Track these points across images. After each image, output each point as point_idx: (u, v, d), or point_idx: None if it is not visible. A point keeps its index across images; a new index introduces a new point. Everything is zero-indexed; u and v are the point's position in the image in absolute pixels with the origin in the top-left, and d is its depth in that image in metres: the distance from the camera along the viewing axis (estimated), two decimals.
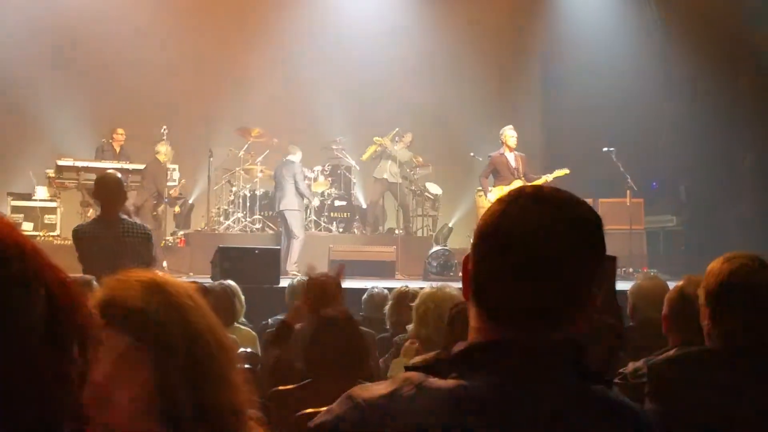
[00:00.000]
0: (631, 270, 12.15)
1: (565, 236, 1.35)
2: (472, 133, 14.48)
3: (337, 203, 13.75)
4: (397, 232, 13.66)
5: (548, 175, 11.83)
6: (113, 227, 5.85)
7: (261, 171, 13.33)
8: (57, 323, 0.91)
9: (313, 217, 13.38)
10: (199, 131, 13.52)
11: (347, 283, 6.21)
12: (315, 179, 13.46)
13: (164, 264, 11.14)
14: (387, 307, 5.35)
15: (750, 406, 2.35)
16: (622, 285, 6.74)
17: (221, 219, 13.35)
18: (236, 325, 5.39)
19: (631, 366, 3.23)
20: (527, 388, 1.31)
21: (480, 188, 12.34)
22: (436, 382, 1.33)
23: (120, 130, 12.65)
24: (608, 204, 13.28)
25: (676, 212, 14.15)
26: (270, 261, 9.07)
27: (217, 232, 12.98)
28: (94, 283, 4.35)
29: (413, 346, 4.29)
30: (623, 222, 12.58)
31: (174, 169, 12.73)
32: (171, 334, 1.36)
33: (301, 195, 12.33)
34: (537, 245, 1.34)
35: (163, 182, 12.14)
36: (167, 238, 12.21)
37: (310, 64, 15.01)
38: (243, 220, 13.11)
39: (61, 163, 11.80)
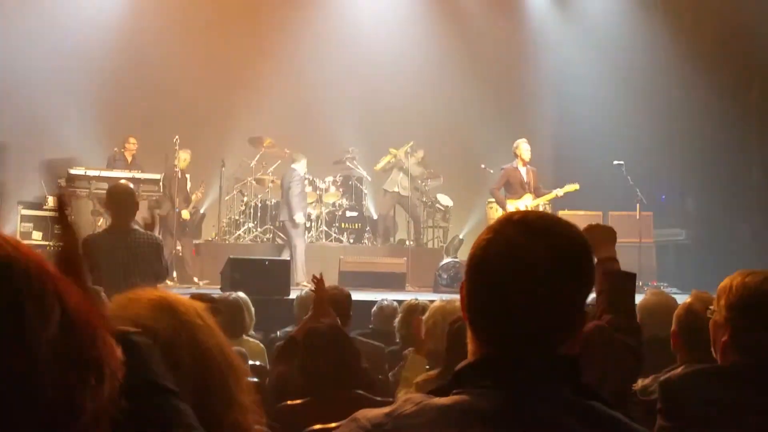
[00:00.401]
0: (640, 283, 12.11)
1: (551, 267, 1.40)
2: (483, 145, 14.49)
3: (349, 214, 13.76)
4: (407, 243, 13.67)
5: (558, 190, 11.84)
6: (124, 237, 5.86)
7: (272, 181, 13.36)
8: (71, 348, 0.88)
9: (324, 228, 13.39)
10: (212, 141, 13.55)
11: (357, 295, 6.24)
12: (326, 190, 13.48)
13: (174, 274, 11.17)
14: (397, 320, 5.34)
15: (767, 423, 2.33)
16: None
17: (232, 229, 13.38)
18: (245, 337, 5.38)
19: (639, 383, 3.23)
20: (526, 403, 1.36)
21: (491, 200, 12.34)
22: (438, 400, 1.39)
23: (132, 140, 12.68)
24: (618, 217, 13.25)
25: (685, 226, 14.10)
26: (280, 272, 9.09)
27: (227, 242, 13.01)
28: (103, 294, 4.36)
29: (417, 357, 4.30)
30: (633, 235, 12.55)
31: (186, 179, 12.77)
32: (180, 354, 1.36)
33: (288, 205, 12.16)
34: (524, 277, 1.40)
35: (175, 189, 12.19)
36: (177, 248, 12.23)
37: (323, 75, 15.05)
38: (254, 230, 13.14)
39: (72, 172, 11.83)
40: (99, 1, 14.11)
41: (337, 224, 13.55)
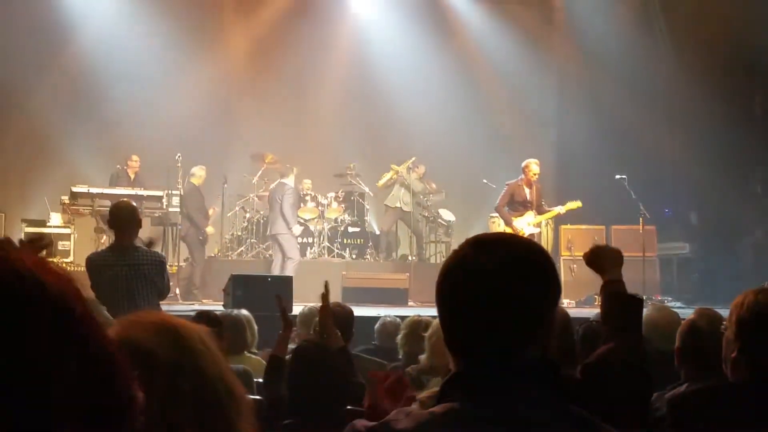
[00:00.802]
0: (644, 297, 12.07)
1: (505, 275, 1.50)
2: (485, 160, 14.52)
3: (351, 230, 13.77)
4: (410, 258, 13.67)
5: (560, 207, 11.86)
6: (127, 255, 5.86)
7: None
8: (89, 387, 0.82)
9: (327, 244, 13.40)
10: (214, 157, 13.57)
11: (360, 311, 6.24)
12: (328, 205, 13.49)
13: (177, 291, 11.16)
14: (399, 337, 5.33)
15: None
16: None
17: (234, 245, 13.39)
18: (247, 354, 5.38)
19: None
20: (511, 406, 1.45)
21: (493, 215, 12.35)
22: (429, 410, 1.50)
23: (135, 157, 12.71)
24: (621, 231, 13.26)
25: (689, 239, 14.09)
26: (283, 288, 9.06)
27: (230, 258, 13.01)
28: (105, 312, 4.36)
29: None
30: (636, 249, 12.53)
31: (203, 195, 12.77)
32: (180, 380, 1.34)
33: (284, 217, 12.29)
34: (481, 289, 1.49)
35: (192, 206, 12.23)
36: (181, 264, 12.24)
37: (324, 91, 15.08)
38: (256, 246, 13.15)
39: (75, 189, 11.85)
40: (102, 20, 14.14)
41: (339, 240, 13.56)
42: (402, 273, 12.63)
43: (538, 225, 11.79)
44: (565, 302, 12.44)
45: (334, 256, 13.37)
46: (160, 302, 6.20)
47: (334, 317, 4.53)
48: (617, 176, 12.34)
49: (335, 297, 9.10)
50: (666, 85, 14.50)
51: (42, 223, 12.33)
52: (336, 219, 13.62)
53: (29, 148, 13.55)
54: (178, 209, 11.95)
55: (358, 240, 13.80)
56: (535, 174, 11.53)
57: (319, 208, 13.43)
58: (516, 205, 11.61)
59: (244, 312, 5.65)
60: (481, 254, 1.53)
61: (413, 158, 13.65)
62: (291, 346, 5.46)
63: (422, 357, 4.42)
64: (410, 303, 11.92)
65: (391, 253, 13.89)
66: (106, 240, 10.96)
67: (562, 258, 13.37)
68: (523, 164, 11.60)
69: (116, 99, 13.93)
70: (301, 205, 13.32)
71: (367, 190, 14.09)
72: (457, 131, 15.24)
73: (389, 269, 13.11)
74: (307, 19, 15.28)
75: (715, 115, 13.75)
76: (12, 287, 0.79)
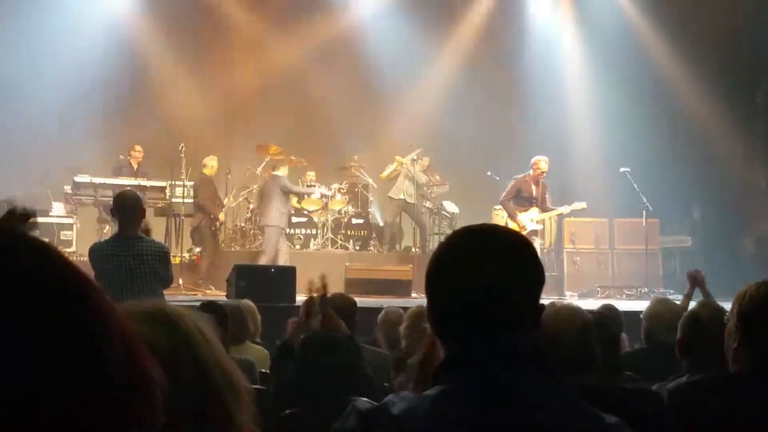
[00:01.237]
0: (645, 290, 12.11)
1: (495, 261, 1.56)
2: (489, 152, 14.50)
3: (354, 221, 13.78)
4: (413, 250, 13.67)
5: (566, 207, 11.85)
6: (131, 245, 5.86)
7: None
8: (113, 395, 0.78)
9: (330, 235, 13.41)
10: (218, 149, 13.57)
11: (363, 302, 6.24)
12: (332, 197, 13.50)
13: (180, 281, 11.17)
14: (402, 327, 5.33)
15: None
16: (637, 305, 6.74)
17: (238, 236, 13.40)
18: (248, 343, 5.38)
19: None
20: (502, 388, 1.50)
21: (497, 207, 12.35)
22: (422, 393, 1.54)
23: (138, 147, 12.72)
24: (624, 224, 13.27)
25: (691, 232, 14.08)
26: (286, 279, 9.08)
27: (234, 249, 13.03)
28: None
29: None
30: (639, 242, 12.56)
31: (191, 186, 12.77)
32: (178, 370, 1.32)
33: (296, 193, 12.73)
34: (472, 276, 1.54)
35: (204, 196, 12.25)
36: (184, 255, 12.25)
37: (328, 82, 15.07)
38: (260, 237, 13.15)
39: (78, 179, 11.86)
40: (105, 10, 14.13)
41: (342, 231, 13.57)
42: (405, 264, 12.63)
43: (541, 222, 11.78)
44: (568, 294, 12.45)
45: (337, 248, 13.38)
46: (164, 292, 6.21)
47: (337, 307, 4.54)
48: (621, 169, 12.34)
49: (338, 288, 9.13)
50: (670, 78, 14.47)
51: (44, 213, 12.32)
52: (340, 210, 13.63)
53: (31, 138, 13.54)
54: (181, 200, 11.95)
55: (362, 231, 13.82)
56: (543, 172, 11.48)
57: (323, 199, 13.44)
58: (521, 200, 11.58)
59: (247, 302, 5.66)
60: (470, 243, 1.60)
61: (418, 150, 13.63)
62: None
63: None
64: (413, 294, 11.92)
65: (395, 244, 13.89)
66: (108, 230, 10.99)
67: (565, 250, 13.38)
68: (533, 161, 11.54)
69: (120, 89, 13.93)
70: (305, 196, 13.34)
71: (370, 181, 14.09)
72: (461, 123, 15.21)
73: (393, 261, 13.11)
74: (311, 9, 15.27)
75: (718, 108, 13.74)
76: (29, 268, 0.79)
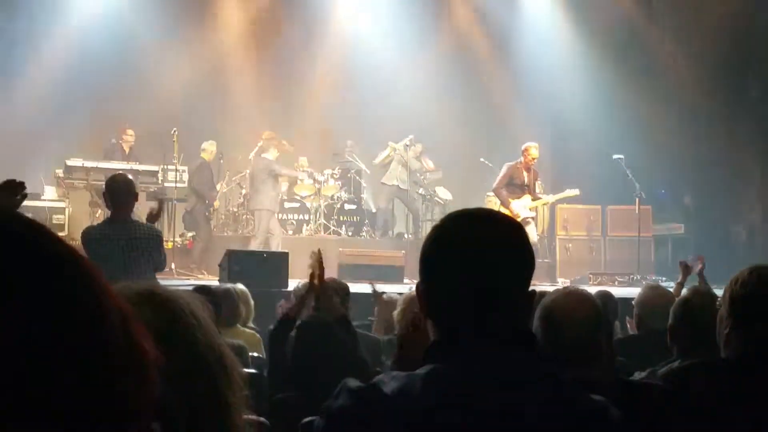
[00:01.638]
0: (638, 277, 12.15)
1: (492, 248, 1.59)
2: (482, 138, 14.51)
3: (347, 207, 13.78)
4: (406, 236, 13.69)
5: (560, 194, 11.88)
6: (123, 229, 5.84)
7: None
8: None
9: (323, 221, 13.40)
10: (210, 133, 13.53)
11: (355, 287, 6.24)
12: (325, 182, 13.49)
13: (173, 266, 11.16)
14: (396, 312, 5.34)
15: (761, 414, 2.34)
16: (629, 292, 6.76)
17: (230, 221, 13.38)
18: (240, 327, 5.38)
19: (636, 376, 3.24)
20: (492, 365, 1.54)
21: (489, 193, 12.35)
22: (413, 372, 1.56)
23: (130, 131, 12.68)
24: (617, 211, 13.30)
25: (684, 219, 14.12)
26: (278, 264, 9.08)
27: (226, 234, 13.02)
28: None
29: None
30: (632, 229, 12.58)
31: (184, 171, 12.74)
32: (170, 352, 1.30)
33: (284, 175, 12.64)
34: (469, 261, 1.57)
35: (200, 181, 12.22)
36: (176, 239, 12.23)
37: (321, 67, 15.05)
38: (252, 221, 13.13)
39: (70, 163, 11.83)
40: None
41: (335, 217, 13.57)
42: (398, 250, 12.63)
43: (534, 209, 11.78)
44: (560, 281, 12.47)
45: (330, 233, 13.38)
46: (157, 276, 6.21)
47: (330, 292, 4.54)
48: (614, 156, 12.34)
49: (331, 273, 9.13)
50: (664, 66, 14.47)
51: (36, 197, 12.28)
52: (332, 196, 13.62)
53: (23, 121, 13.48)
54: (173, 184, 11.93)
55: (355, 217, 13.82)
56: (533, 158, 11.45)
57: (316, 185, 13.42)
58: (514, 187, 11.55)
59: (239, 286, 5.66)
60: (466, 228, 1.63)
61: (411, 136, 13.63)
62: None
63: None
64: (406, 280, 11.93)
65: (388, 230, 13.89)
66: (101, 214, 10.96)
67: (558, 237, 13.41)
68: (523, 147, 11.51)
69: (112, 72, 13.86)
70: (298, 182, 13.33)
71: (363, 167, 14.08)
72: (455, 110, 15.19)
73: (385, 247, 13.10)
74: None
75: (711, 97, 13.75)
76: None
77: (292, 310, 4.50)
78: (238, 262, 8.73)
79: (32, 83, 13.45)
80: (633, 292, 6.33)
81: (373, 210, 14.11)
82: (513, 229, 1.65)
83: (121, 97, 13.82)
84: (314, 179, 13.43)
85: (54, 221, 11.96)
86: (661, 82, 14.41)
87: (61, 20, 13.82)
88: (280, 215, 12.99)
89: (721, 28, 13.64)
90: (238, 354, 4.22)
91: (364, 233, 13.66)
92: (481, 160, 13.29)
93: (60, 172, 12.01)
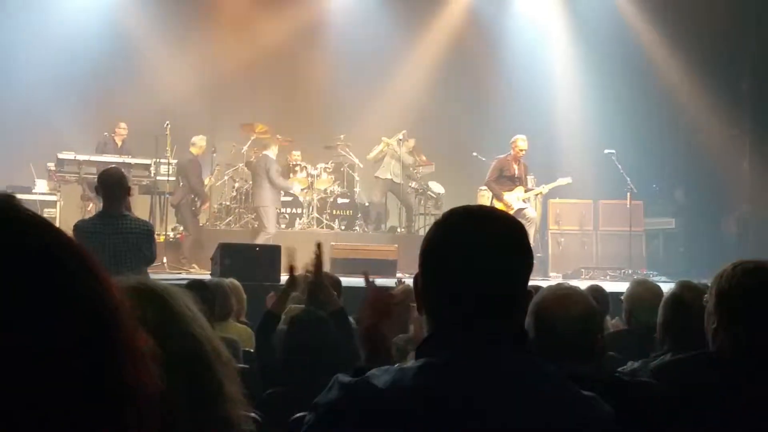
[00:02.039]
0: (630, 271, 12.18)
1: (494, 246, 1.61)
2: (474, 133, 14.51)
3: (340, 201, 13.77)
4: (399, 230, 13.70)
5: (546, 185, 11.95)
6: (115, 223, 5.84)
7: None
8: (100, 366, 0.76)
9: (316, 215, 13.40)
10: (203, 127, 13.51)
11: (348, 281, 6.25)
12: (318, 176, 13.48)
13: (164, 260, 11.15)
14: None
15: (754, 409, 2.35)
16: (621, 286, 6.78)
17: (223, 215, 13.37)
18: (232, 322, 5.37)
19: (629, 365, 3.26)
20: (486, 360, 1.56)
21: (482, 187, 12.37)
22: (405, 365, 1.58)
23: (122, 124, 12.64)
24: (608, 205, 13.32)
25: (675, 214, 14.16)
26: (271, 258, 9.07)
27: (218, 227, 13.01)
28: None
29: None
30: (623, 224, 12.61)
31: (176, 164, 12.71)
32: (169, 345, 1.31)
33: (275, 186, 12.48)
34: (471, 258, 1.59)
35: (193, 176, 12.20)
36: (168, 233, 12.22)
37: (314, 61, 15.02)
38: (245, 215, 13.13)
39: (61, 156, 11.79)
40: None
41: (328, 211, 13.56)
42: (391, 244, 12.64)
43: (527, 200, 11.81)
44: (552, 275, 12.51)
45: (323, 227, 13.37)
46: (148, 270, 6.20)
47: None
48: (606, 151, 12.37)
49: (324, 267, 9.12)
50: (655, 60, 14.49)
51: (27, 190, 12.25)
52: (325, 190, 13.61)
53: (15, 114, 13.44)
54: (166, 178, 11.91)
55: (348, 211, 13.81)
56: (522, 150, 11.51)
57: (309, 179, 13.42)
58: (505, 180, 11.60)
59: (231, 280, 5.65)
60: (470, 228, 1.64)
61: (403, 131, 13.64)
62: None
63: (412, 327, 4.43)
64: (398, 274, 11.93)
65: (381, 224, 13.90)
66: (92, 208, 10.93)
67: (550, 231, 13.43)
68: (512, 140, 11.60)
69: (104, 65, 13.83)
70: (291, 175, 13.33)
71: (356, 161, 14.08)
72: (447, 103, 15.21)
73: (378, 240, 13.11)
74: None
75: (702, 91, 13.78)
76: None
77: (275, 304, 4.51)
78: (230, 256, 8.72)
79: (24, 76, 13.40)
80: (625, 286, 6.34)
81: (366, 204, 14.11)
82: (516, 231, 1.66)
83: (114, 90, 13.79)
84: (307, 173, 13.42)
85: (45, 215, 11.84)
86: (651, 77, 14.43)
87: (53, 13, 13.77)
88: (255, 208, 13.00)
89: (711, 23, 13.66)
90: (230, 348, 4.23)
91: (357, 227, 13.66)
92: (474, 154, 13.30)
93: (52, 165, 11.96)
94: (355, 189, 14.05)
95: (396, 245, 12.45)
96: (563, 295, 2.59)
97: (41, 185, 12.27)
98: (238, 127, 13.75)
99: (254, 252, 9.17)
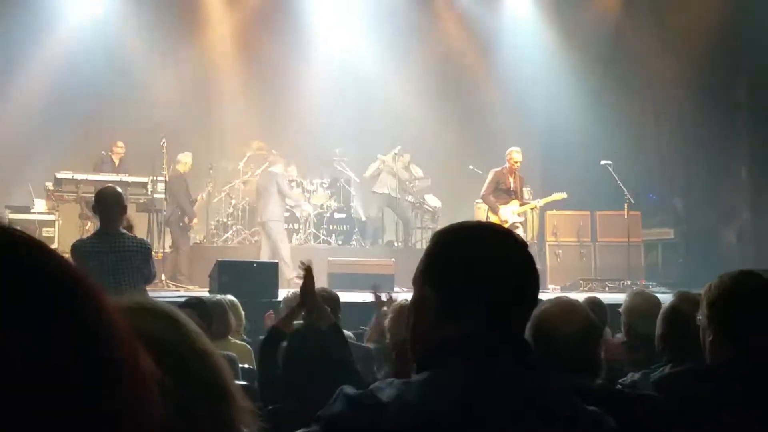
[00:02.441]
0: (628, 283, 12.18)
1: (514, 261, 1.62)
2: (470, 146, 14.53)
3: (337, 216, 13.77)
4: (396, 244, 13.69)
5: (544, 198, 11.97)
6: (113, 241, 5.84)
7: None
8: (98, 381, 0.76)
9: (312, 230, 13.40)
10: (200, 144, 13.53)
11: (346, 297, 6.24)
12: (314, 191, 13.49)
13: (162, 277, 11.14)
14: (387, 321, 5.34)
15: (751, 420, 2.35)
16: (620, 298, 6.78)
17: (220, 231, 13.36)
18: (230, 339, 5.37)
19: (629, 377, 3.26)
20: (489, 375, 1.55)
21: (478, 200, 12.38)
22: (408, 379, 1.59)
23: (120, 143, 12.67)
24: (606, 216, 13.32)
25: (673, 225, 14.16)
26: (269, 275, 9.07)
27: (215, 244, 13.00)
28: None
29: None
30: (621, 235, 12.61)
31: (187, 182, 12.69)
32: (189, 363, 1.32)
33: (291, 198, 12.64)
34: (489, 272, 1.60)
35: (180, 192, 12.19)
36: (165, 250, 12.21)
37: (309, 77, 15.05)
38: (242, 232, 13.13)
39: (59, 175, 11.80)
40: (86, 8, 14.06)
41: (325, 226, 13.56)
42: (388, 259, 12.63)
43: (522, 214, 11.82)
44: (550, 287, 12.50)
45: (320, 242, 13.37)
46: (147, 289, 6.20)
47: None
48: (602, 162, 12.38)
49: (321, 283, 9.12)
50: (651, 71, 14.53)
51: (26, 210, 12.25)
52: (322, 205, 13.62)
53: (13, 134, 13.45)
54: (163, 195, 11.91)
55: (344, 226, 13.81)
56: (516, 162, 11.54)
57: (305, 194, 13.43)
58: (501, 193, 11.62)
59: (229, 297, 5.65)
60: (487, 242, 1.65)
61: (398, 147, 13.67)
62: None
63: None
64: (396, 289, 11.92)
65: (377, 239, 13.90)
66: (90, 227, 10.92)
67: (547, 243, 13.43)
68: (506, 152, 11.64)
69: (101, 84, 13.85)
70: (297, 203, 13.39)
71: (353, 176, 14.09)
72: (442, 118, 15.23)
73: (375, 255, 13.10)
74: (291, 4, 15.23)
75: (699, 101, 13.80)
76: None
77: (282, 321, 4.48)
78: (227, 273, 8.72)
79: (21, 95, 13.42)
80: (623, 297, 6.34)
81: (363, 218, 14.12)
82: (526, 249, 1.67)
83: (111, 109, 13.81)
84: (303, 188, 13.43)
85: (44, 234, 11.92)
86: (648, 86, 14.47)
87: (49, 33, 13.81)
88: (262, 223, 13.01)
89: (707, 30, 13.70)
90: (229, 365, 4.22)
91: (353, 242, 13.66)
92: (470, 167, 13.32)
93: (50, 184, 11.98)
94: (352, 204, 14.06)
95: (393, 259, 12.44)
96: (563, 307, 2.59)
97: (39, 205, 12.29)
98: (234, 143, 13.76)
99: (252, 269, 9.17)
